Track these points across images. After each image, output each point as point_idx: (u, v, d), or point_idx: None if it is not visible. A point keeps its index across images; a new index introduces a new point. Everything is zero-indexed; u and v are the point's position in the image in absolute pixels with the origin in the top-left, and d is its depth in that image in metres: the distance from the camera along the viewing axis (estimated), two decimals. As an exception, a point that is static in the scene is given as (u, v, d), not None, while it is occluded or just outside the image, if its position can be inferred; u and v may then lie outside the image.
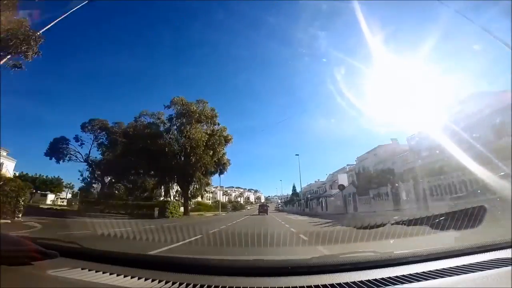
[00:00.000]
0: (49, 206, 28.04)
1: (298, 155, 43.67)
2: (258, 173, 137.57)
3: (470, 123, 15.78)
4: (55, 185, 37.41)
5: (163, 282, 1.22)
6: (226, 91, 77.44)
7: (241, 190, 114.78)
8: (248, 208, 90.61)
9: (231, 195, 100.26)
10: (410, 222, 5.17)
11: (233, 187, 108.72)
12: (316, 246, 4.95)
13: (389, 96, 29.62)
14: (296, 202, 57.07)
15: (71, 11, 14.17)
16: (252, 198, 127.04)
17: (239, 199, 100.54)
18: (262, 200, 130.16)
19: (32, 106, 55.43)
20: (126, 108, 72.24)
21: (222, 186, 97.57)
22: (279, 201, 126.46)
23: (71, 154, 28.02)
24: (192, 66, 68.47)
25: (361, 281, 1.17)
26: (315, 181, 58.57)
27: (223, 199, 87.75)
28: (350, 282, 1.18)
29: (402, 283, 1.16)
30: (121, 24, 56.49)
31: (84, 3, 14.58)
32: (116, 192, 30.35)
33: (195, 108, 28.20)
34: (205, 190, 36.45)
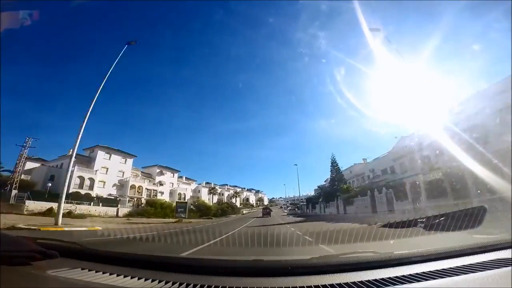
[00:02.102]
0: None
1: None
2: (261, 175, 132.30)
3: (471, 123, 14.68)
4: None
5: (163, 282, 1.19)
6: (225, 92, 79.29)
7: (238, 189, 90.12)
8: (245, 212, 65.30)
9: (222, 194, 75.77)
10: None
11: (226, 184, 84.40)
12: None
13: (390, 96, 28.50)
14: (361, 195, 25.24)
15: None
16: (252, 200, 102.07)
17: (233, 200, 75.55)
18: (266, 202, 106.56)
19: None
20: (127, 113, 75.48)
21: (210, 183, 73.60)
22: (286, 203, 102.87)
23: None
24: (192, 66, 70.96)
25: (361, 281, 1.15)
26: (356, 164, 34.13)
27: (210, 198, 63.31)
28: (350, 282, 1.15)
29: (402, 283, 1.13)
30: (120, 24, 55.88)
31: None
32: None
33: None
34: None
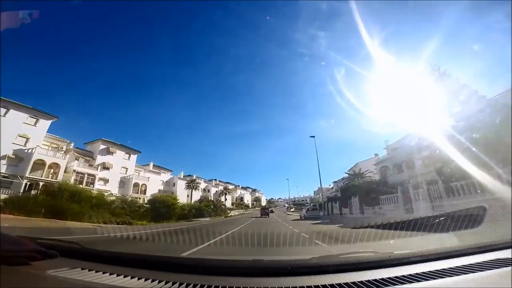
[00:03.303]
0: None
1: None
2: (259, 176, 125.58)
3: (470, 123, 14.34)
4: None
5: (163, 282, 1.19)
6: (225, 92, 78.03)
7: (230, 186, 75.56)
8: (233, 214, 50.09)
9: (208, 190, 61.24)
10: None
11: (215, 179, 69.85)
12: None
13: (389, 96, 28.50)
14: None
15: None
16: (247, 199, 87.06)
17: (222, 198, 60.81)
18: (263, 202, 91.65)
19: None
20: (126, 111, 70.81)
21: (191, 175, 59.13)
22: (286, 204, 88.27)
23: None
24: (191, 67, 67.31)
25: (361, 281, 1.15)
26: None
27: (189, 195, 48.90)
28: (350, 282, 1.15)
29: (402, 283, 1.13)
30: (119, 24, 55.16)
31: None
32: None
33: None
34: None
